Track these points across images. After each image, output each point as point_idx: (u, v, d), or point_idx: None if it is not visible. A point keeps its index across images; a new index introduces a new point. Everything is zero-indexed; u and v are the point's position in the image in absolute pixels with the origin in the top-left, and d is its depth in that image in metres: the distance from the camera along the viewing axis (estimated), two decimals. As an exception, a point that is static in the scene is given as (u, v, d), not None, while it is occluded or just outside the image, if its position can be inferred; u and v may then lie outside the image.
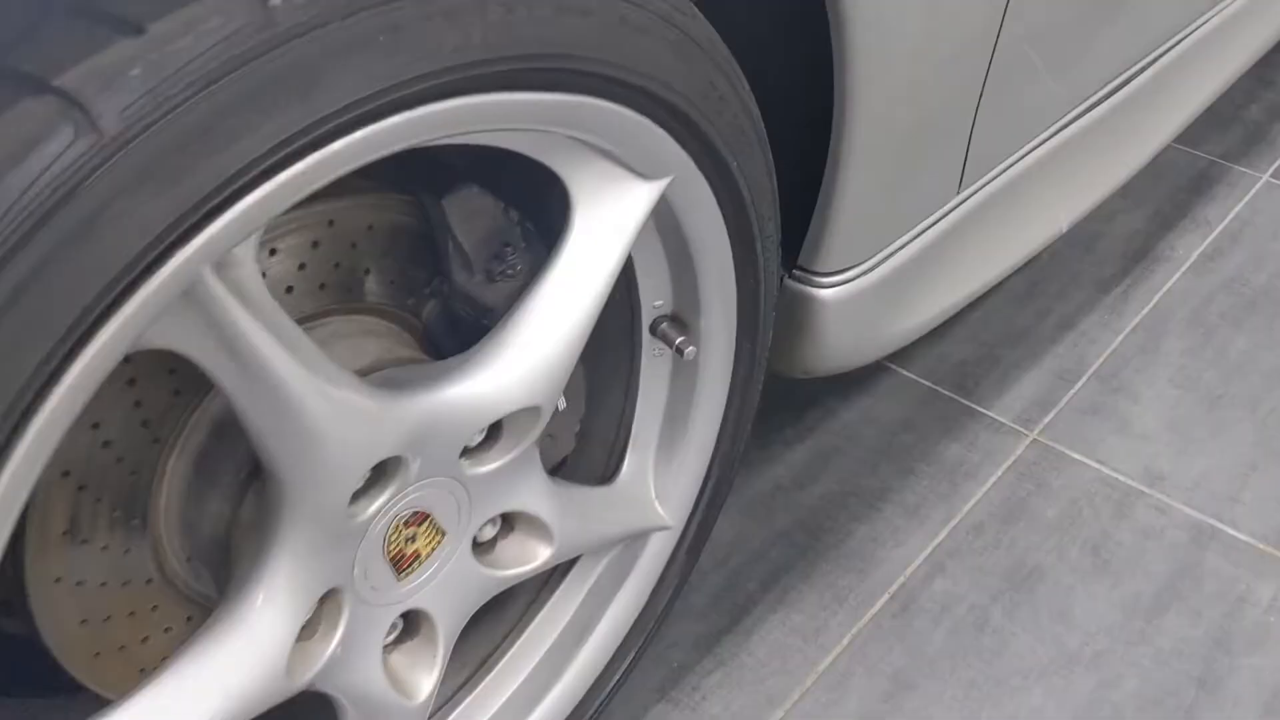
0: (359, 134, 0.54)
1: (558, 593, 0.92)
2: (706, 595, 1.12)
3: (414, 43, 0.52)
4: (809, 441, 1.28)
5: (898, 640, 1.10)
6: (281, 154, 0.51)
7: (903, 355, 1.38)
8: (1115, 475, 1.26)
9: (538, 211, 0.76)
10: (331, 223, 0.69)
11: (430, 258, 0.75)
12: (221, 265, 0.53)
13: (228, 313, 0.54)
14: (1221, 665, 1.09)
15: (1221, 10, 1.38)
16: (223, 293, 0.53)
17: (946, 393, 1.35)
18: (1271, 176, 1.70)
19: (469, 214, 0.73)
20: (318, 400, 0.60)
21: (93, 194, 0.45)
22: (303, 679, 0.68)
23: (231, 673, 0.63)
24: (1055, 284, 1.49)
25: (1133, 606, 1.13)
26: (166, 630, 0.73)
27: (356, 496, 0.66)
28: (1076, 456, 1.28)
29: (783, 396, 1.30)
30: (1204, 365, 1.39)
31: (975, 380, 1.36)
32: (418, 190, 0.73)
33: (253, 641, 0.64)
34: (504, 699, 0.90)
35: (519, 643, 0.91)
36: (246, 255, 0.55)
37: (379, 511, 0.68)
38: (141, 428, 0.65)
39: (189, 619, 0.74)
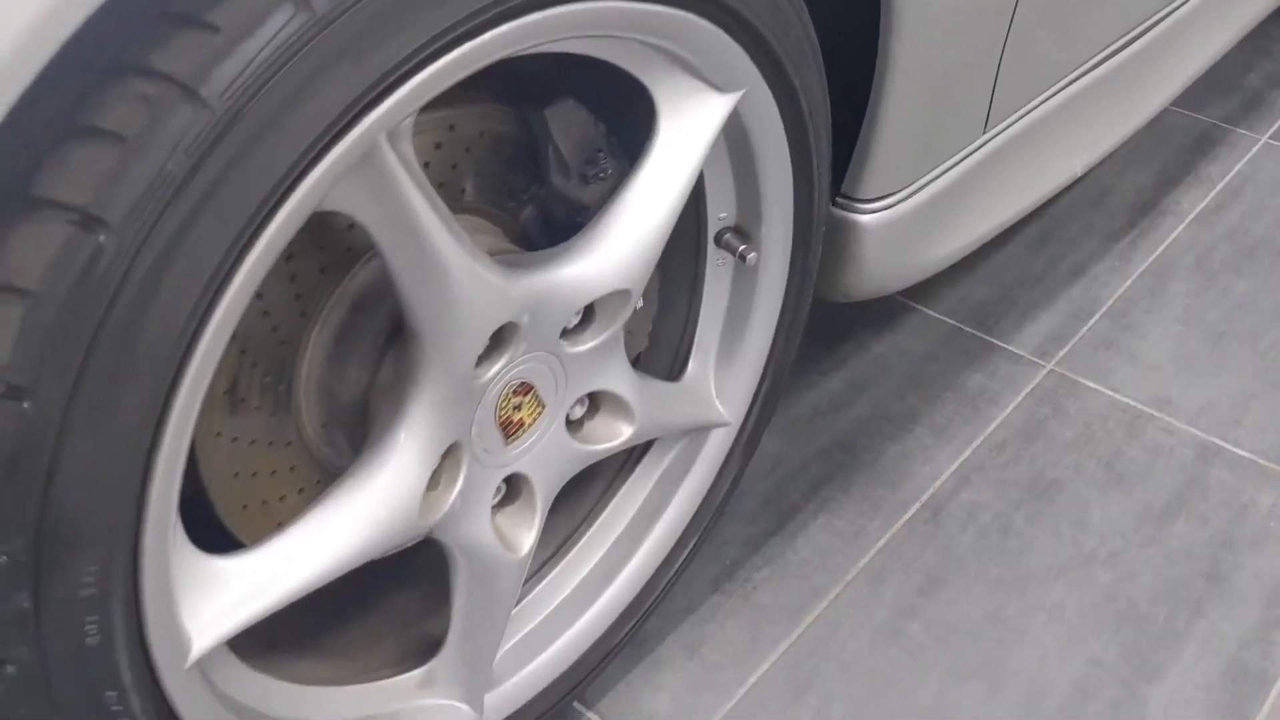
0: (494, 31, 0.64)
1: (630, 480, 1.02)
2: (755, 501, 1.22)
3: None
4: (843, 371, 1.38)
5: (929, 542, 1.20)
6: (442, 41, 0.61)
7: (927, 296, 1.48)
8: (1127, 401, 1.36)
9: (621, 124, 0.86)
10: (452, 127, 0.79)
11: (528, 165, 0.85)
12: (392, 135, 0.63)
13: (396, 179, 0.64)
14: (1226, 563, 1.19)
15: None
16: (393, 162, 0.63)
17: (968, 329, 1.45)
18: (1270, 138, 1.81)
19: (566, 124, 0.84)
20: (459, 268, 0.70)
21: (306, 63, 0.56)
22: (429, 522, 0.78)
23: (378, 506, 0.74)
24: (1068, 233, 1.60)
25: (1144, 514, 1.23)
26: (300, 490, 0.83)
27: (479, 361, 0.76)
28: (1090, 384, 1.38)
29: (817, 332, 1.40)
30: (1207, 306, 1.49)
31: (995, 318, 1.46)
32: (521, 103, 0.83)
33: (394, 481, 0.74)
34: (583, 574, 1.00)
35: (597, 524, 1.01)
36: (407, 134, 0.65)
37: (494, 377, 0.78)
38: (294, 300, 0.75)
39: (318, 481, 0.84)
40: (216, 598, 0.69)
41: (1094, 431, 1.32)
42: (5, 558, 0.56)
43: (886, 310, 1.46)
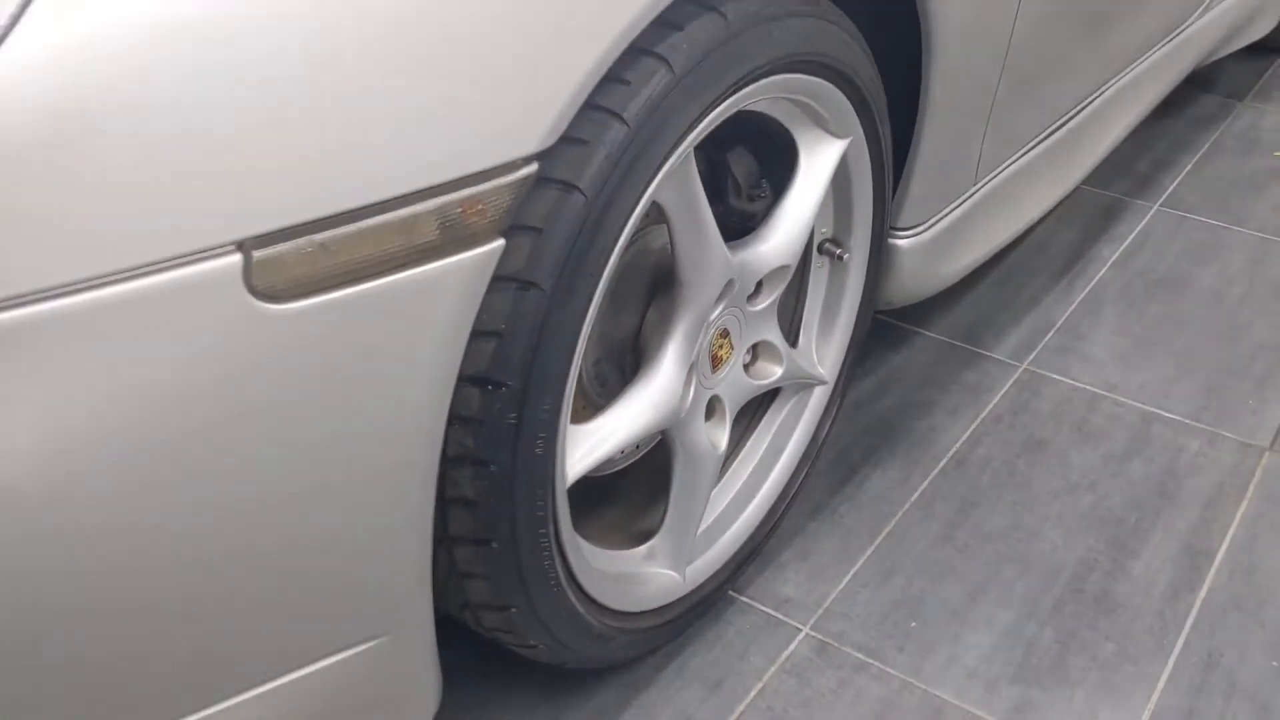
0: (754, 84, 1.07)
1: (762, 422, 1.43)
2: (825, 464, 1.64)
3: (781, 39, 1.07)
4: (873, 376, 1.82)
5: (959, 482, 1.62)
6: (736, 87, 1.04)
7: (926, 321, 1.93)
8: (1084, 386, 1.82)
9: (766, 164, 1.31)
10: (675, 163, 1.22)
11: (713, 189, 1.28)
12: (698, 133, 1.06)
13: (692, 176, 1.07)
14: (1171, 485, 1.63)
15: (1145, 60, 2.01)
16: (692, 165, 1.06)
17: (960, 343, 1.90)
18: (1160, 205, 2.32)
19: (739, 163, 1.28)
20: (714, 239, 1.12)
21: (670, 99, 0.98)
22: (680, 415, 1.18)
23: (656, 397, 1.14)
24: (1023, 274, 2.07)
25: (1109, 457, 1.68)
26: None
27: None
28: (1055, 376, 1.84)
29: (850, 347, 1.84)
30: (1132, 321, 1.97)
31: (978, 335, 1.92)
32: (709, 149, 1.27)
33: (664, 383, 1.15)
34: (737, 488, 1.40)
35: (743, 452, 1.42)
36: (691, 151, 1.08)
37: (712, 322, 1.20)
38: (589, 272, 1.16)
39: (583, 407, 1.24)
40: (577, 448, 1.09)
41: (1063, 408, 1.77)
42: (506, 388, 0.95)
43: (899, 333, 1.91)
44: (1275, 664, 1.38)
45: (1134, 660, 1.38)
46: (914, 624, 1.41)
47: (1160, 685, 1.35)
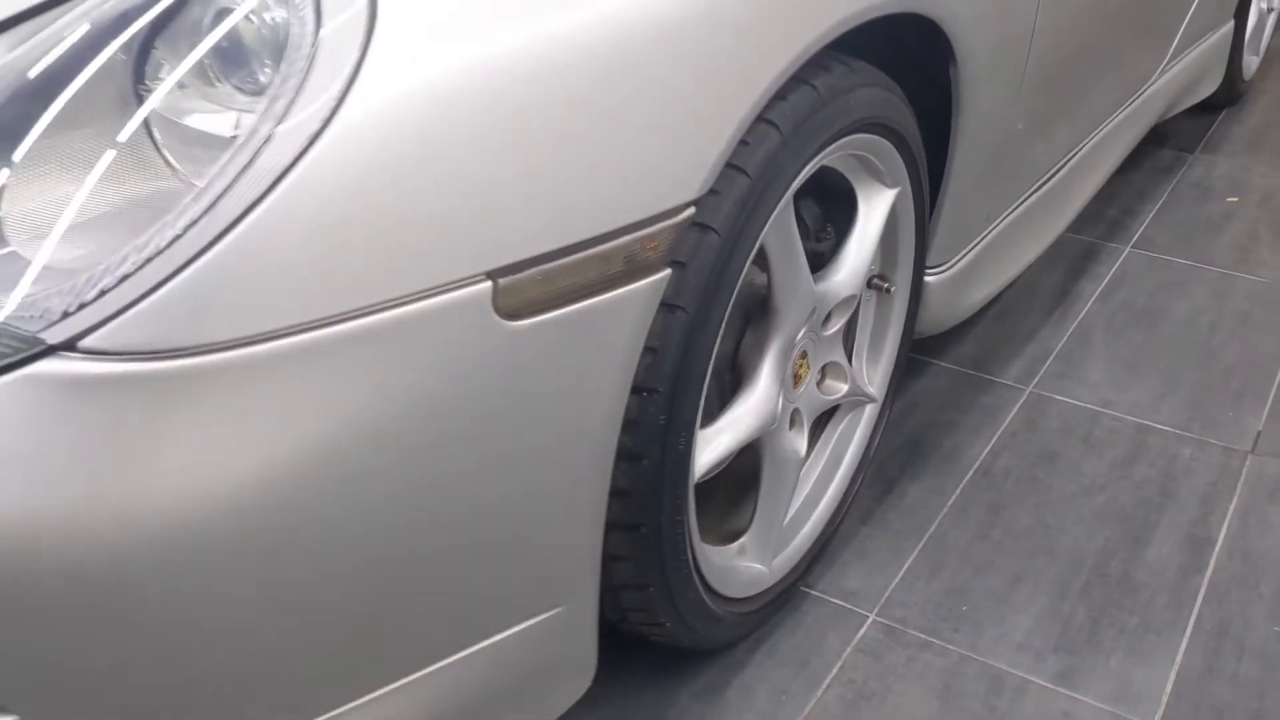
0: (841, 140, 1.30)
1: (824, 435, 1.64)
2: (868, 477, 1.85)
3: (856, 106, 1.30)
4: (899, 402, 2.04)
5: (987, 489, 1.84)
6: (828, 146, 1.27)
7: (940, 352, 2.16)
8: (1084, 405, 2.05)
9: (828, 211, 1.53)
10: (757, 212, 1.44)
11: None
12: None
13: (789, 221, 1.28)
14: (1170, 485, 1.86)
15: (1116, 118, 2.28)
16: (790, 210, 1.28)
17: (971, 371, 2.13)
18: (1133, 247, 2.58)
19: (808, 210, 1.50)
20: (805, 272, 1.34)
21: (778, 157, 1.20)
22: (773, 424, 1.39)
23: (759, 405, 1.35)
24: (1019, 310, 2.31)
25: (1113, 464, 1.90)
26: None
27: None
28: (1059, 398, 2.06)
29: (876, 378, 2.06)
30: (1120, 347, 2.21)
31: (987, 364, 2.15)
32: (781, 201, 1.49)
33: (763, 396, 1.36)
34: (804, 495, 1.61)
35: (809, 460, 1.62)
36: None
37: (796, 344, 1.41)
38: (694, 304, 1.38)
39: (685, 423, 1.43)
40: (700, 450, 1.29)
41: (1069, 423, 2.00)
42: (659, 394, 1.15)
43: (918, 364, 2.14)
44: (1277, 629, 1.59)
45: (1156, 631, 1.59)
46: (964, 608, 1.61)
47: (1181, 650, 1.56)
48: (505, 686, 1.16)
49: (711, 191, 1.13)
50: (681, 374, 1.16)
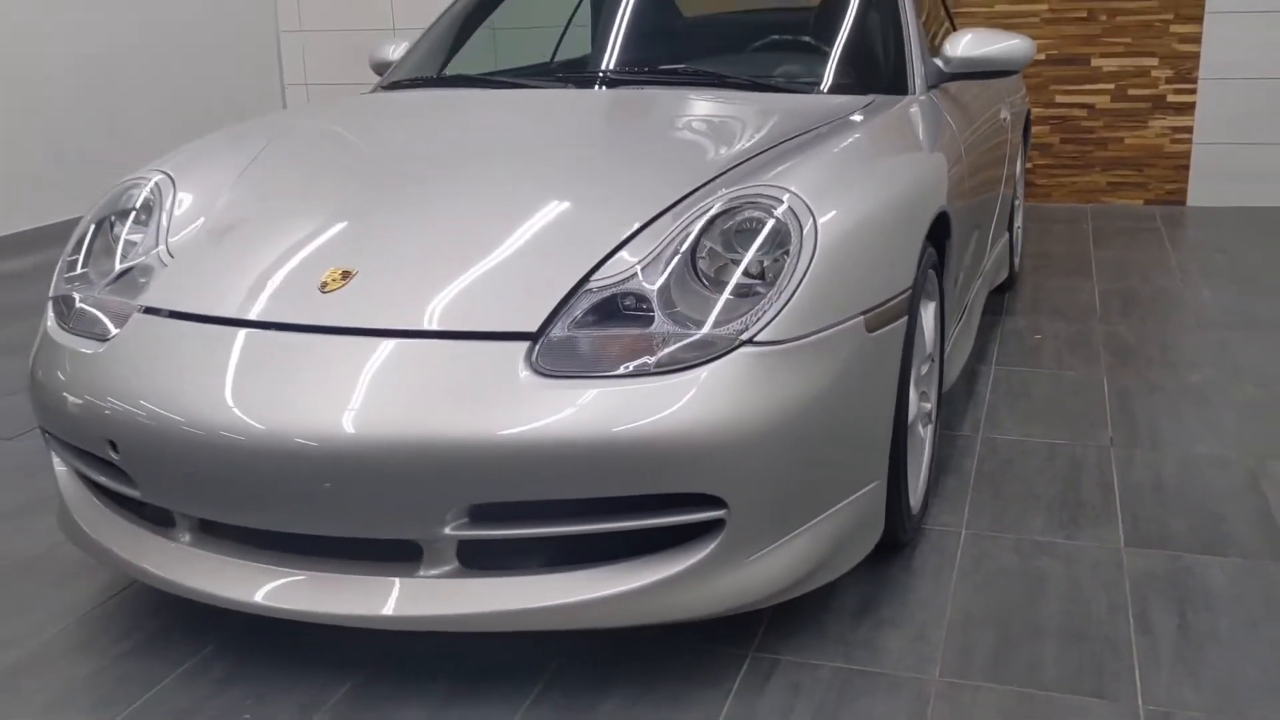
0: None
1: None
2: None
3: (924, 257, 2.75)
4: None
5: (969, 549, 3.22)
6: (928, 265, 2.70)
7: (922, 422, 3.58)
8: (1014, 438, 3.49)
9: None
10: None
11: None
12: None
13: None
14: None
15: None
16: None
17: (945, 431, 3.55)
18: (995, 365, 4.12)
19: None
20: (932, 321, 2.76)
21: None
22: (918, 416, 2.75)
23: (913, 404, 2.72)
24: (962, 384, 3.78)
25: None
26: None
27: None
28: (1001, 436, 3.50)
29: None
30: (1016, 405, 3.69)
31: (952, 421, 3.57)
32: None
33: (914, 396, 2.73)
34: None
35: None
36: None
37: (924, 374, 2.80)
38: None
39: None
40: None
41: (1012, 447, 3.43)
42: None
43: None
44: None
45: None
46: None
47: (1118, 520, 2.96)
48: (852, 529, 2.42)
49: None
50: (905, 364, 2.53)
